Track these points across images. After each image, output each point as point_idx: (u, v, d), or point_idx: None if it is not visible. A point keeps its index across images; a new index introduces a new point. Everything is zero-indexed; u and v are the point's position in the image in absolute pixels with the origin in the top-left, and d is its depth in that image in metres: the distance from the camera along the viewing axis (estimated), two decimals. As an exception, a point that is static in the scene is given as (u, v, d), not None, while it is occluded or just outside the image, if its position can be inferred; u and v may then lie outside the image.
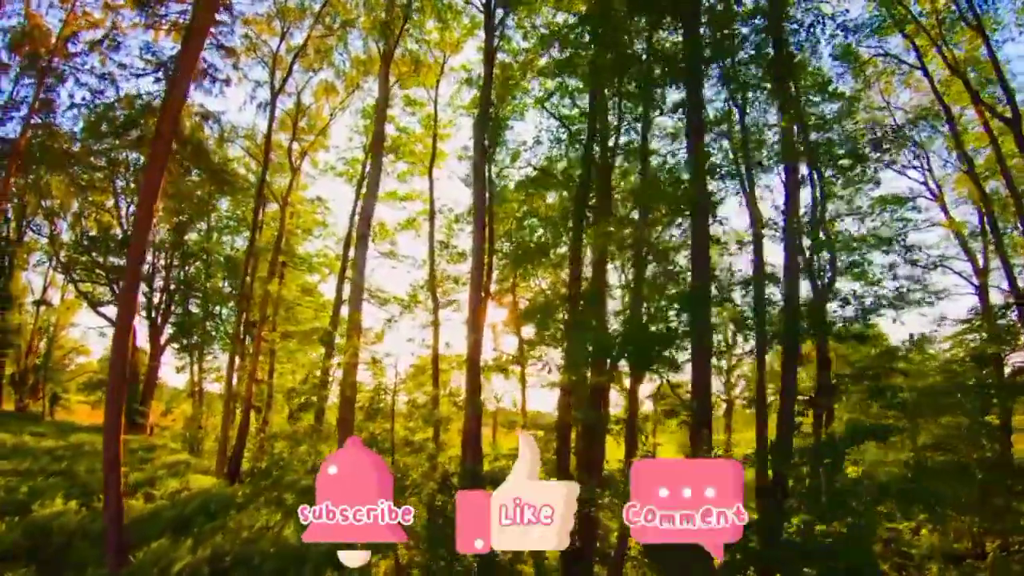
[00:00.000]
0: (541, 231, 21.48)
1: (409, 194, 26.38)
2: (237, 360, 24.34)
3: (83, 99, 23.43)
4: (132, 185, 32.18)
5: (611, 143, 18.53)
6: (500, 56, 19.58)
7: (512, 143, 21.91)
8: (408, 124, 25.75)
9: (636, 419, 16.32)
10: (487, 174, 18.98)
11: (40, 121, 23.15)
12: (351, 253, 21.37)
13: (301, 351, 28.45)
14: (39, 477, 17.04)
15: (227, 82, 24.56)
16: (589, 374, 14.24)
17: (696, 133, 13.64)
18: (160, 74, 23.53)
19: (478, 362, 16.83)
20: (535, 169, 20.40)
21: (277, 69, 23.64)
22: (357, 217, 20.15)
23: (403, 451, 14.75)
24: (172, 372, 41.20)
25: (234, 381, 23.61)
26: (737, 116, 16.03)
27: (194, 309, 36.81)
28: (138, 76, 23.39)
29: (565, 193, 21.89)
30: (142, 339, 38.71)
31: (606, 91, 17.43)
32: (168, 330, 38.38)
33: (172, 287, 38.37)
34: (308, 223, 30.26)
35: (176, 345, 37.94)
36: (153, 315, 38.29)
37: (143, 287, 38.96)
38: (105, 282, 37.19)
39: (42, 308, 40.21)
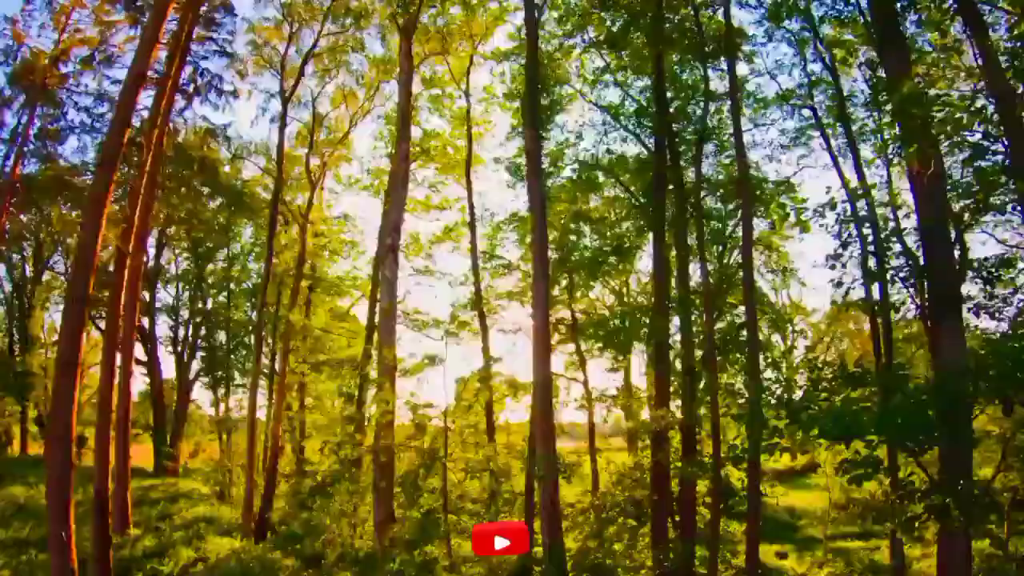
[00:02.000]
0: (595, 236, 18.74)
1: (443, 201, 23.72)
2: (262, 397, 22.10)
3: (81, 123, 21.56)
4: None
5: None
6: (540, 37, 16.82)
7: (554, 142, 19.34)
8: (437, 127, 23.10)
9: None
10: (540, 159, 15.21)
11: (36, 150, 21.33)
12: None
13: (333, 383, 25.84)
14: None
15: (234, 94, 22.38)
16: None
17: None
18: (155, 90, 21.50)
19: (550, 407, 13.57)
20: (584, 164, 17.60)
21: (287, 76, 21.30)
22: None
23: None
24: (209, 407, 38.76)
25: (262, 418, 21.36)
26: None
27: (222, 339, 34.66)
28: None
29: (619, 192, 19.13)
30: (168, 372, 37.19)
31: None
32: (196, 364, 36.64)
33: (198, 319, 36.53)
34: (335, 243, 27.84)
35: (206, 379, 35.87)
36: (179, 348, 36.47)
37: (167, 320, 37.40)
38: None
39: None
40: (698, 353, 15.42)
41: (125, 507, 18.67)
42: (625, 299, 24.07)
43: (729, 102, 14.73)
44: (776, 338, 24.54)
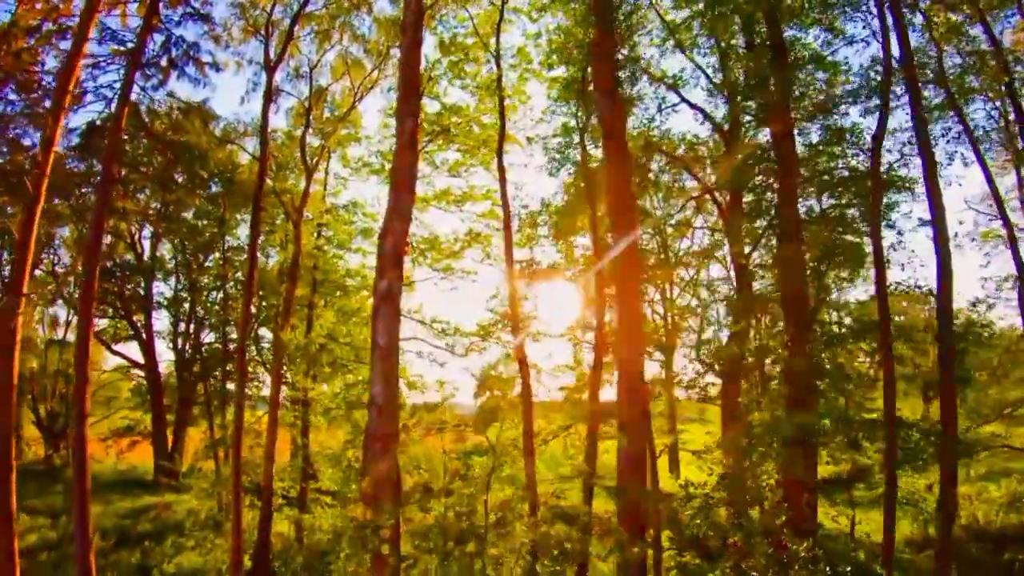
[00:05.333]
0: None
1: (467, 193, 19.75)
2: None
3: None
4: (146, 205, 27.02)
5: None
6: None
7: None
8: (459, 101, 18.93)
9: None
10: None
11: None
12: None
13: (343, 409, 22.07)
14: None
15: (216, 66, 18.56)
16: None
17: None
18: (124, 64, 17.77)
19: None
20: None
21: (274, 40, 17.32)
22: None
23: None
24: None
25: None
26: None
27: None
28: (95, 67, 17.51)
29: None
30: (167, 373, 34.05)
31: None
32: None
33: (199, 317, 33.23)
34: (341, 235, 24.00)
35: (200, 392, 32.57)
36: (180, 345, 33.22)
37: (168, 316, 34.09)
38: (113, 315, 32.21)
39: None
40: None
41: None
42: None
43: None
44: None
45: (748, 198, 16.10)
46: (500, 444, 11.90)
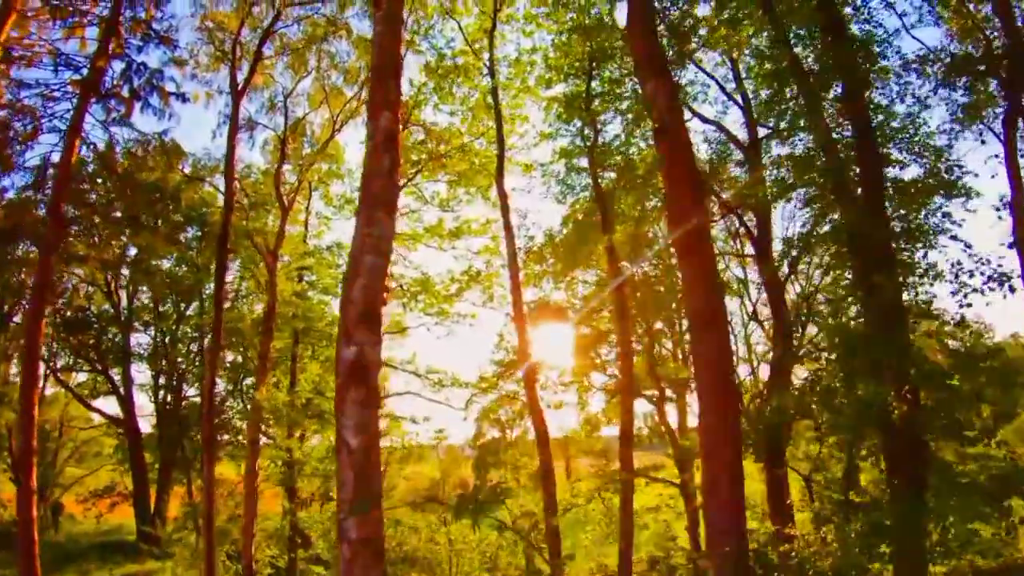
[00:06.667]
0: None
1: (463, 227, 17.68)
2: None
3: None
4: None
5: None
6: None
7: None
8: (451, 124, 17.02)
9: None
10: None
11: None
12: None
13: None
14: None
15: (182, 97, 16.83)
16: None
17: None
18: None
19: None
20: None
21: (241, 63, 15.54)
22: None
23: None
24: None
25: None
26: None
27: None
28: (45, 98, 15.66)
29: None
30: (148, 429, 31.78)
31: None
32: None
33: (180, 370, 31.03)
34: (326, 280, 21.97)
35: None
36: (161, 398, 31.01)
37: (148, 370, 31.83)
38: (89, 368, 30.07)
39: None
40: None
41: None
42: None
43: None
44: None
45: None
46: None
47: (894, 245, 9.68)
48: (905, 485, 8.36)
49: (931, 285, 9.44)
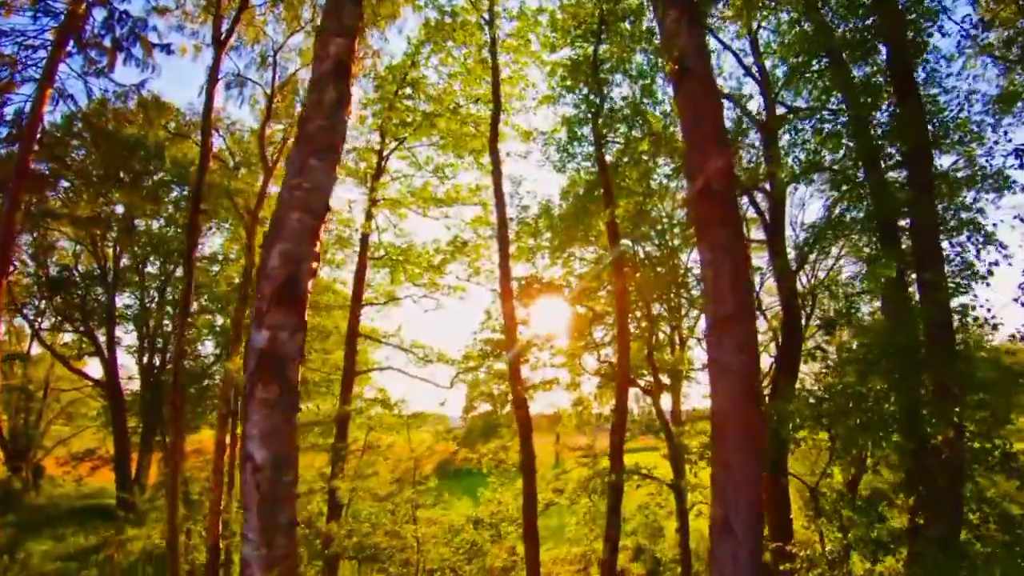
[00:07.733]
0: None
1: (450, 192, 16.71)
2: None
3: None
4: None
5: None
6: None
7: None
8: (445, 84, 15.96)
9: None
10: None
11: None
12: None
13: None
14: None
15: (167, 48, 15.83)
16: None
17: None
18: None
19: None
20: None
21: (225, 11, 14.45)
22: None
23: None
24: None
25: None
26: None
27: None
28: (23, 47, 14.63)
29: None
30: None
31: None
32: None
33: (166, 332, 30.25)
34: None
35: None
36: (147, 361, 30.31)
37: (134, 339, 31.08)
38: (74, 329, 29.29)
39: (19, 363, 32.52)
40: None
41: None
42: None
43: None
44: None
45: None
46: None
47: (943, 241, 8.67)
48: (939, 522, 7.33)
49: (976, 287, 8.41)
